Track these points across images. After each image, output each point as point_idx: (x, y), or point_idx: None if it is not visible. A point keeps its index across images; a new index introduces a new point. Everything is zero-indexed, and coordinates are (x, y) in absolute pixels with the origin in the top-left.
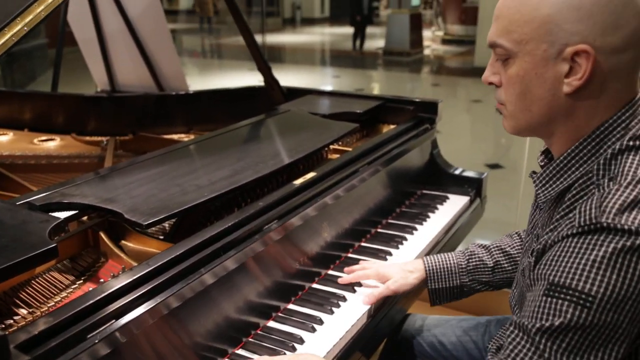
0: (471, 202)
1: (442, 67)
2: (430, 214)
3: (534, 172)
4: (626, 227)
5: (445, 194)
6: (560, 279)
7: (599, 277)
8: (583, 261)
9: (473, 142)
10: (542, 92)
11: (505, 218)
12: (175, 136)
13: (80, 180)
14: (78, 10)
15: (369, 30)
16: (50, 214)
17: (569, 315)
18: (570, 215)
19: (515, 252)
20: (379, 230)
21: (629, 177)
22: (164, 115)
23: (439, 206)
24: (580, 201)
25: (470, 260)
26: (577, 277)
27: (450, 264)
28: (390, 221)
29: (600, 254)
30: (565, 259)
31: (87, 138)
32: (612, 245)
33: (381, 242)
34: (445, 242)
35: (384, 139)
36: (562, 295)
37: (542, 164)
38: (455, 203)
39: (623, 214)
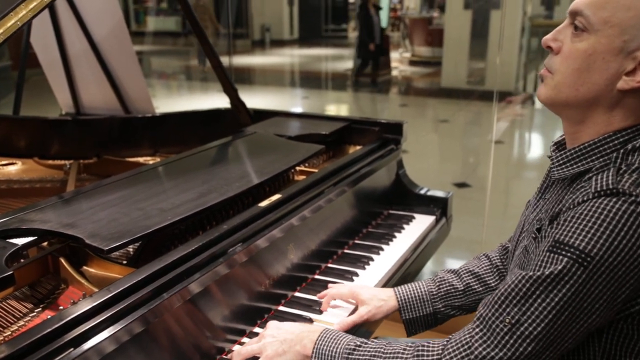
0: (437, 221)
1: (409, 87)
2: (396, 234)
3: (551, 155)
4: None
5: (412, 213)
6: (566, 237)
7: (602, 239)
8: (590, 223)
9: (441, 162)
10: (598, 78)
11: (472, 236)
12: (140, 159)
13: (40, 205)
14: (41, 32)
15: (336, 52)
16: (8, 240)
17: (564, 270)
18: (585, 185)
19: (483, 272)
20: (346, 251)
21: None
22: (129, 138)
23: (405, 226)
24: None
25: (441, 287)
26: (581, 237)
27: (421, 292)
28: (356, 242)
29: (610, 215)
30: (574, 221)
31: (50, 162)
32: (622, 208)
33: (348, 263)
34: (412, 261)
35: (350, 160)
36: (563, 252)
37: (554, 152)
38: (421, 222)
39: (638, 187)
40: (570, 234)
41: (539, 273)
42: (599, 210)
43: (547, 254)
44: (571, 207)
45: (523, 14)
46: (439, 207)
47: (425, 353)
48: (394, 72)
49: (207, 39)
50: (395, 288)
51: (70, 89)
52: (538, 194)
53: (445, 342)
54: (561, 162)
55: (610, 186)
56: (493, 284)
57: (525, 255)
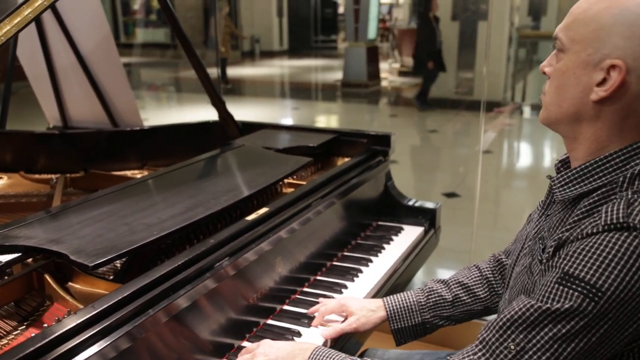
0: (425, 232)
1: (399, 98)
2: (385, 246)
3: (551, 176)
4: None
5: (400, 225)
6: (575, 271)
7: (613, 274)
8: (601, 257)
9: (430, 172)
10: (574, 92)
11: (461, 246)
12: (128, 172)
13: (25, 221)
14: (28, 45)
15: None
16: None
17: (575, 305)
18: (595, 215)
19: (473, 283)
20: (335, 263)
21: None
22: (117, 152)
23: (394, 237)
24: (603, 206)
25: (429, 297)
26: (592, 271)
27: (410, 302)
28: (345, 254)
29: (622, 250)
30: (584, 254)
31: (36, 176)
32: (634, 243)
33: (337, 275)
34: (401, 272)
35: (338, 172)
36: (573, 286)
37: (559, 170)
38: (409, 234)
39: None
40: (580, 267)
41: (548, 305)
42: (610, 245)
43: (557, 286)
44: (579, 237)
45: (510, 24)
46: (427, 218)
47: None
48: (384, 83)
49: (194, 50)
50: (384, 298)
51: (58, 102)
52: (541, 209)
53: None
54: (563, 183)
55: (621, 220)
56: (482, 296)
57: (530, 277)
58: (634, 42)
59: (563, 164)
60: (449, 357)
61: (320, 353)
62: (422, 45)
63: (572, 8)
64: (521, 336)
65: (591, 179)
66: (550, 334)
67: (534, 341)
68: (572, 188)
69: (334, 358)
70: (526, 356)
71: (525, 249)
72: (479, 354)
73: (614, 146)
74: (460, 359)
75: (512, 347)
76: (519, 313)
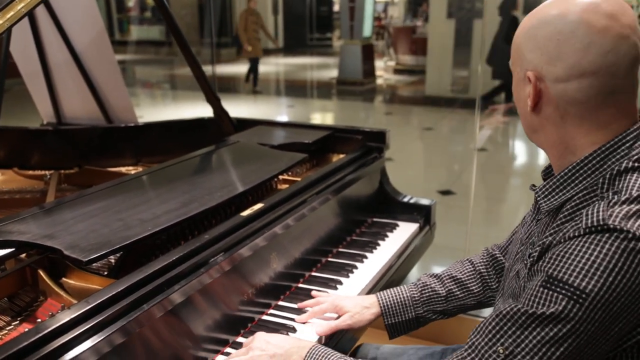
0: (420, 229)
1: (394, 96)
2: (380, 242)
3: (534, 185)
4: (631, 230)
5: (395, 221)
6: (559, 274)
7: (596, 276)
8: (584, 260)
9: (425, 169)
10: (521, 108)
11: (456, 243)
12: (122, 169)
13: (19, 216)
14: (21, 41)
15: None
16: None
17: (560, 308)
18: (576, 219)
19: (466, 278)
20: (330, 259)
21: (634, 193)
22: (111, 148)
23: (389, 234)
24: (585, 209)
25: (423, 292)
26: (575, 273)
27: (403, 297)
28: (340, 250)
29: (604, 251)
30: (567, 257)
31: (30, 172)
32: (615, 244)
33: (332, 272)
34: (396, 269)
35: (333, 168)
36: (557, 289)
37: (544, 178)
38: (404, 230)
39: (629, 220)
40: (564, 270)
41: (533, 309)
42: (592, 246)
43: (542, 289)
44: (561, 241)
45: None
46: (422, 214)
47: None
48: (379, 81)
49: (189, 48)
50: (378, 293)
51: (52, 98)
52: (533, 213)
53: None
54: (546, 193)
55: (602, 222)
56: (475, 290)
57: (517, 281)
58: (538, 52)
59: (547, 174)
60: None
61: (317, 352)
62: (502, 46)
63: None
64: (510, 340)
65: (572, 184)
66: (539, 337)
67: (523, 345)
68: (556, 196)
69: (331, 357)
70: None
71: (518, 254)
72: (468, 358)
73: (582, 149)
74: None
75: (501, 350)
76: (507, 317)
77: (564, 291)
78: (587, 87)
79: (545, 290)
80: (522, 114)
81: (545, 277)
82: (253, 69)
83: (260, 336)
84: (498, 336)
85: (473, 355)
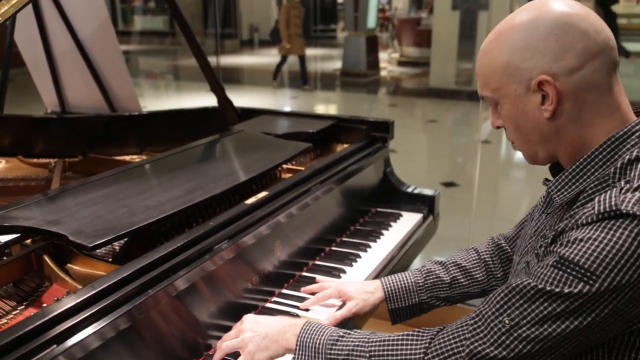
0: (424, 219)
1: (398, 88)
2: (383, 232)
3: (547, 180)
4: None
5: (399, 211)
6: (571, 255)
7: (608, 258)
8: (596, 243)
9: (429, 161)
10: (529, 124)
11: (459, 235)
12: (127, 157)
13: (24, 203)
14: (26, 30)
15: (325, 52)
16: None
17: (571, 288)
18: (588, 206)
19: (471, 266)
20: (333, 248)
21: None
22: (116, 136)
23: (392, 224)
24: (597, 196)
25: (427, 278)
26: (587, 256)
27: (407, 283)
28: (344, 239)
29: (616, 236)
30: (579, 242)
31: (34, 160)
32: (628, 229)
33: (335, 260)
34: (399, 258)
35: (338, 158)
36: (568, 270)
37: (553, 173)
38: (408, 220)
39: None
40: (575, 252)
41: (543, 285)
42: (605, 231)
43: (553, 269)
44: (574, 227)
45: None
46: (426, 205)
47: (413, 339)
48: (383, 73)
49: (194, 36)
50: (382, 278)
51: (56, 87)
52: (541, 207)
53: (436, 332)
54: (559, 187)
55: (614, 208)
56: (480, 278)
57: (527, 271)
58: (539, 56)
59: (555, 169)
60: (443, 326)
61: (311, 327)
62: None
63: (476, 69)
64: (517, 312)
65: (585, 176)
66: (545, 312)
67: (529, 318)
68: (569, 189)
69: (325, 331)
70: (519, 331)
71: (527, 247)
72: (474, 325)
73: (596, 140)
74: (453, 329)
75: (507, 321)
76: (516, 289)
77: (574, 272)
78: (600, 65)
79: (557, 271)
80: (532, 127)
81: (557, 258)
82: (302, 67)
83: (249, 318)
84: (505, 307)
85: (480, 323)
